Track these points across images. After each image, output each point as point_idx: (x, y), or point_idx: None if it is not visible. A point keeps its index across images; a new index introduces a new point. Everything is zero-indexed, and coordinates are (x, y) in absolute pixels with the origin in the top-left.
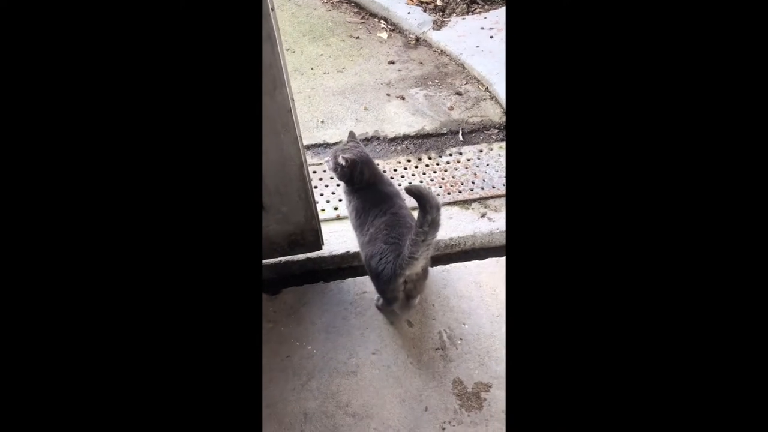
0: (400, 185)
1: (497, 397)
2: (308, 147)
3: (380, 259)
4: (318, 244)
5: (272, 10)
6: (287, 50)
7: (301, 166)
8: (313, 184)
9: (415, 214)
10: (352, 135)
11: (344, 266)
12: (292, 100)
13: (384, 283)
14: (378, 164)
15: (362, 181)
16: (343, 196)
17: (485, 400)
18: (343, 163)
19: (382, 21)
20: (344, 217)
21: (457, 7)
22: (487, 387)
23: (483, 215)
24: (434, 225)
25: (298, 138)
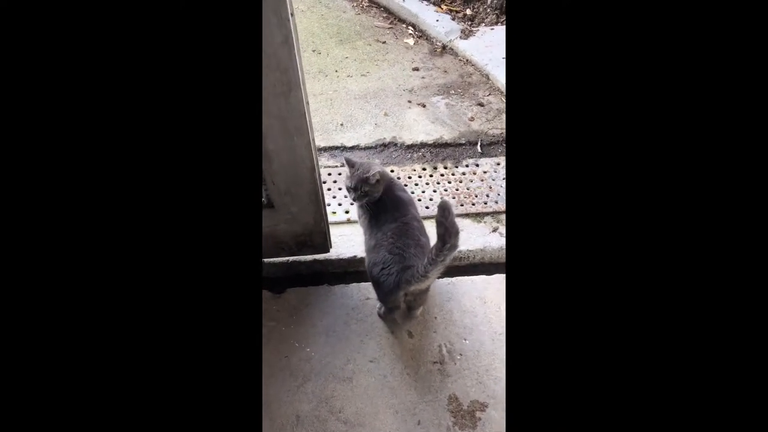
0: (413, 192)
1: (492, 418)
2: (326, 149)
3: (382, 268)
4: (326, 246)
5: (291, 15)
6: (313, 51)
7: (313, 170)
8: (327, 187)
9: (426, 224)
10: (349, 161)
11: (350, 270)
12: (307, 103)
13: (385, 294)
14: (392, 170)
15: (379, 191)
16: (355, 203)
17: (480, 419)
18: (378, 177)
19: (410, 27)
20: (354, 221)
21: (487, 17)
22: (483, 406)
23: (495, 230)
24: (453, 249)
25: (311, 141)
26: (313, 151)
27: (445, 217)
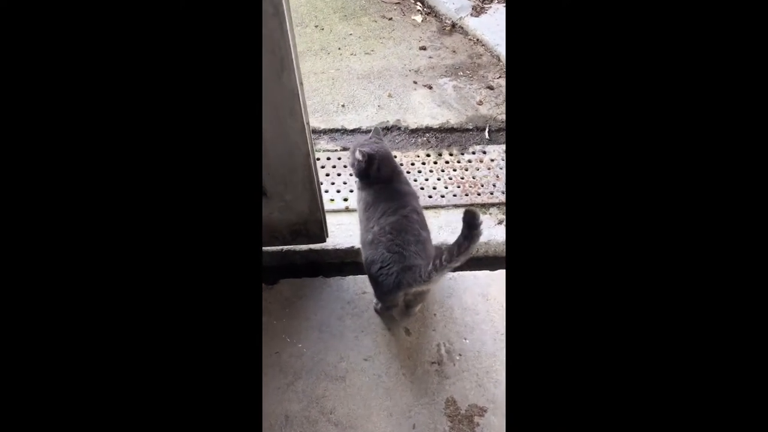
0: (415, 180)
1: (491, 424)
2: (325, 132)
3: (381, 267)
4: (322, 236)
5: None
6: (316, 27)
7: (308, 155)
8: (325, 172)
9: (428, 215)
10: (377, 131)
11: (348, 261)
12: (301, 84)
13: (383, 294)
14: (395, 156)
15: (378, 177)
16: (354, 188)
17: (478, 425)
18: (360, 158)
19: (418, 2)
20: (353, 210)
21: None
22: (482, 411)
23: (500, 222)
24: (467, 255)
25: (306, 125)
26: (308, 136)
27: (475, 220)
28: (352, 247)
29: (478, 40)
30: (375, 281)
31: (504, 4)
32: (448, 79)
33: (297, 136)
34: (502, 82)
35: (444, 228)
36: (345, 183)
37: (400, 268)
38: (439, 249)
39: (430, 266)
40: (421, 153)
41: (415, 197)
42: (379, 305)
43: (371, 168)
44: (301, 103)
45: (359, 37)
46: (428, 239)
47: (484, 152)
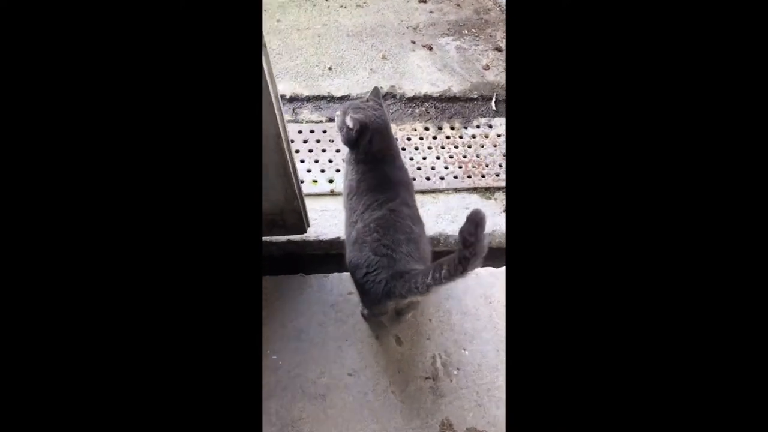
0: (412, 159)
1: None
2: (309, 99)
3: (366, 273)
4: (302, 226)
5: None
6: None
7: (279, 136)
8: (308, 148)
9: (426, 200)
10: (376, 92)
11: (333, 253)
12: (264, 45)
13: (371, 302)
14: None
15: (369, 152)
16: (343, 165)
17: None
18: (351, 125)
19: None
20: (339, 193)
21: None
22: None
23: None
24: (470, 271)
25: (275, 99)
26: (278, 112)
27: (475, 236)
28: (338, 237)
29: None
30: (361, 288)
31: None
32: (451, 38)
33: (264, 113)
34: None
35: (443, 216)
36: (330, 161)
37: (389, 275)
38: (441, 258)
39: (429, 278)
40: (419, 126)
41: (407, 187)
42: (366, 310)
43: (362, 139)
44: (266, 69)
45: None
46: (422, 235)
47: (490, 126)
